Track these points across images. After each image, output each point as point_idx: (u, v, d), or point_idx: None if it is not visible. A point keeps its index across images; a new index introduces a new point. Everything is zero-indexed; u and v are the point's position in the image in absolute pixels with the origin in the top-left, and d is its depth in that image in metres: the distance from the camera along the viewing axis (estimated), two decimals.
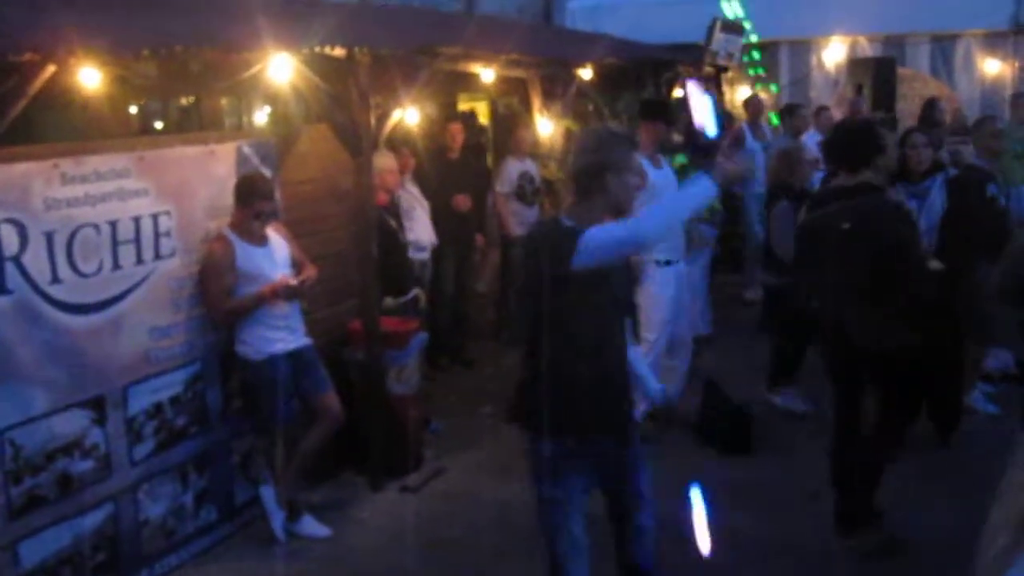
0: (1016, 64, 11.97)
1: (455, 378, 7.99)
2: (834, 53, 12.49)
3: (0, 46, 3.62)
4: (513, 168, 8.32)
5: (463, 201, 7.87)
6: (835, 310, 4.86)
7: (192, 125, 7.87)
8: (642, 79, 9.50)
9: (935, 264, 5.69)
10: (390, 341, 5.98)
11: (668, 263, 6.41)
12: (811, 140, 9.73)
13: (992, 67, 12.01)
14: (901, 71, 11.82)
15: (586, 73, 8.12)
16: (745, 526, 5.28)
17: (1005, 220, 6.49)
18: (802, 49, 12.68)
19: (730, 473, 6.00)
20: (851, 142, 4.99)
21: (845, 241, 4.70)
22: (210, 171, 5.13)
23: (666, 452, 6.13)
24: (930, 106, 9.98)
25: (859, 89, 10.79)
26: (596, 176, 3.48)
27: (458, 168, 8.06)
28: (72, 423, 4.43)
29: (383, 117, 5.94)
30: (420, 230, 7.44)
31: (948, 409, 6.25)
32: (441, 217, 7.68)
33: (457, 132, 8.13)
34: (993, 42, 12.00)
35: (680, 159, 7.99)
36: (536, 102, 8.05)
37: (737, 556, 5.00)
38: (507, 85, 8.56)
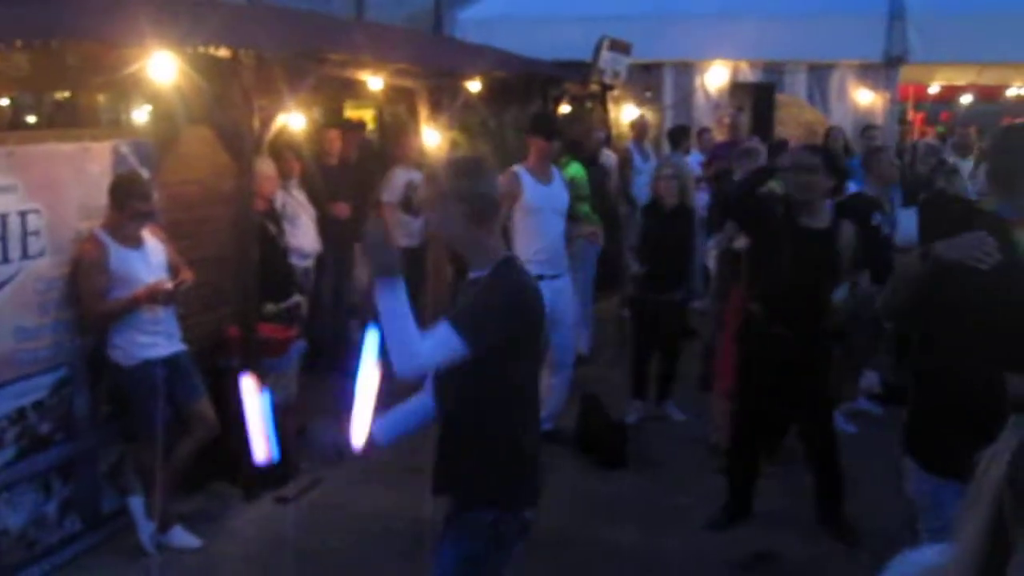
0: (887, 95, 12.47)
1: (333, 387, 7.88)
2: (716, 77, 12.81)
3: None
4: (400, 178, 8.28)
5: (342, 209, 7.80)
6: None
7: (67, 121, 7.61)
8: (530, 94, 9.58)
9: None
10: (268, 349, 5.88)
11: (541, 278, 6.36)
12: (694, 160, 9.98)
13: (865, 97, 12.49)
14: (780, 97, 12.20)
15: (474, 85, 8.14)
16: (621, 539, 5.36)
17: (888, 247, 6.73)
18: (685, 71, 12.96)
19: (606, 486, 6.09)
20: None
21: None
22: (84, 169, 4.97)
23: (545, 466, 6.19)
24: (829, 135, 10.35)
25: (739, 111, 11.10)
26: None
27: (338, 175, 7.98)
28: None
29: (267, 121, 5.85)
30: (303, 237, 7.35)
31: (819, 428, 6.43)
32: (323, 225, 7.60)
33: (335, 139, 8.06)
34: (866, 73, 12.49)
35: (574, 169, 8.12)
36: (423, 112, 8.04)
37: (615, 569, 5.08)
38: (395, 94, 8.52)
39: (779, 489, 5.92)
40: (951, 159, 9.78)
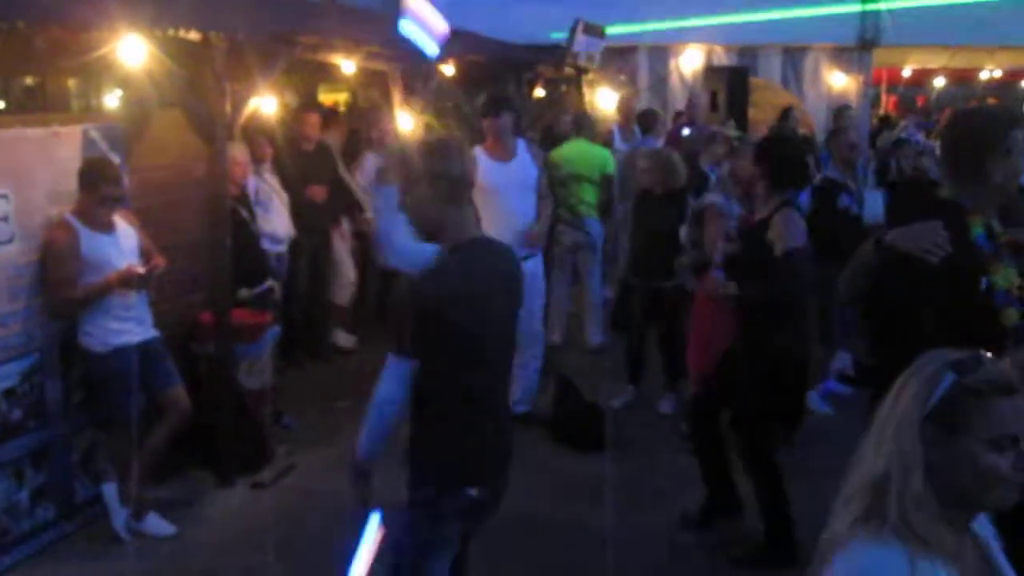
0: (861, 78, 12.54)
1: (310, 372, 7.87)
2: (691, 60, 12.83)
3: None
4: (372, 162, 8.23)
5: (317, 192, 7.75)
6: None
7: (36, 106, 7.53)
8: (503, 77, 9.54)
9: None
10: (241, 334, 5.85)
11: None
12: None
13: (839, 80, 12.55)
14: (754, 80, 12.22)
15: (448, 69, 8.11)
16: (597, 521, 5.37)
17: (858, 227, 6.77)
18: (660, 55, 12.97)
19: (580, 469, 6.10)
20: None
21: None
22: (53, 154, 4.91)
23: (522, 450, 6.18)
24: (784, 115, 10.38)
25: (713, 96, 11.10)
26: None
27: (313, 160, 7.92)
28: None
29: (239, 104, 5.79)
30: (277, 222, 7.30)
31: (793, 409, 6.47)
32: (297, 209, 7.55)
33: (314, 122, 7.98)
34: (840, 56, 12.55)
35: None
36: (397, 96, 8.00)
37: (589, 550, 5.09)
38: (368, 77, 8.48)
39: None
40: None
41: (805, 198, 6.41)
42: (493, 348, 3.25)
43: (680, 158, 7.27)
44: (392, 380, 3.08)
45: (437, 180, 3.10)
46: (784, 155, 5.04)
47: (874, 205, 6.82)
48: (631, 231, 7.32)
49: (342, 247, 8.34)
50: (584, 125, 8.92)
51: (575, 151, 8.53)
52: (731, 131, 8.86)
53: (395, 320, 3.13)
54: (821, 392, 7.06)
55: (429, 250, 3.21)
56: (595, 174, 8.34)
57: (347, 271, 8.40)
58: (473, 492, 3.19)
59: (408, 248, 3.50)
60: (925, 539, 1.76)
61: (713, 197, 6.19)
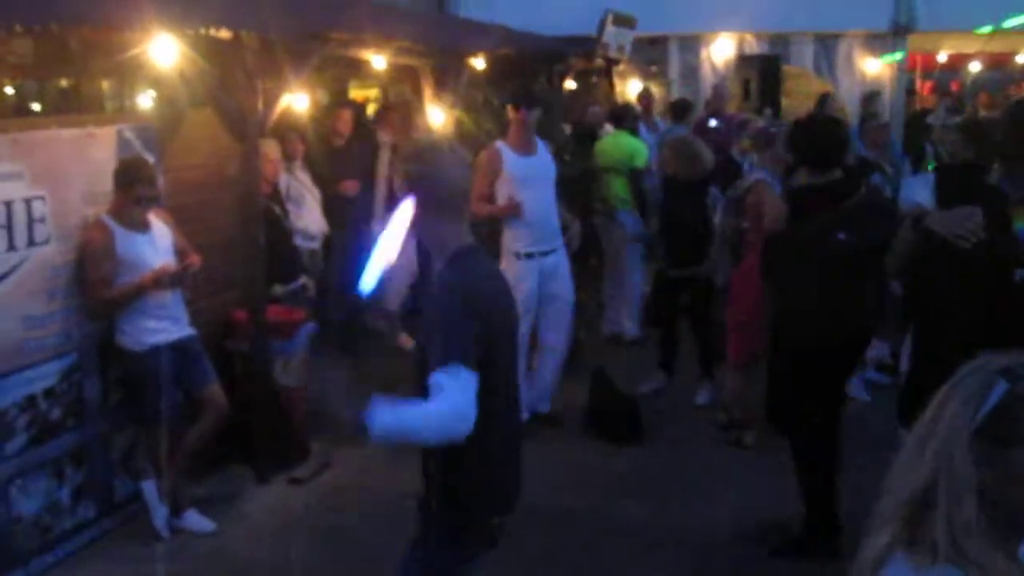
0: (895, 64, 12.39)
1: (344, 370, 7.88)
2: (722, 49, 12.73)
3: None
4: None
5: (351, 186, 7.74)
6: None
7: (72, 107, 7.60)
8: (534, 70, 9.51)
9: None
10: (277, 331, 5.88)
11: (530, 256, 6.28)
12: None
13: (872, 67, 12.40)
14: (786, 68, 12.13)
15: (478, 63, 8.09)
16: (632, 515, 5.35)
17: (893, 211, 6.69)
18: (691, 44, 12.89)
19: (614, 462, 6.07)
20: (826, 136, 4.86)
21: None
22: (89, 155, 4.94)
23: (553, 443, 6.18)
24: (821, 102, 10.28)
25: (745, 84, 11.04)
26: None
27: (345, 155, 7.93)
28: None
29: (270, 102, 5.81)
30: (309, 219, 7.32)
31: None
32: (329, 205, 7.56)
33: (346, 118, 7.98)
34: (873, 43, 12.41)
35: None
36: (427, 91, 7.99)
37: (625, 544, 5.07)
38: (399, 73, 8.47)
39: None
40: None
41: None
42: (509, 361, 3.05)
43: (704, 146, 7.21)
44: (449, 394, 2.67)
45: (422, 187, 2.90)
46: (818, 137, 4.94)
47: (910, 192, 6.71)
48: (659, 220, 7.28)
49: None
50: (624, 116, 8.89)
51: (610, 143, 8.53)
52: (760, 119, 8.82)
53: (429, 332, 2.85)
54: (859, 378, 7.00)
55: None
56: (624, 166, 8.30)
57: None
58: (498, 521, 3.03)
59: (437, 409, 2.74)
60: (981, 567, 1.61)
61: (758, 173, 6.05)
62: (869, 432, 5.71)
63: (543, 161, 6.49)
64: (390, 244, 2.95)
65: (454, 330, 2.73)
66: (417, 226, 2.96)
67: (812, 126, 5.10)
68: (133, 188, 4.83)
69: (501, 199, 6.28)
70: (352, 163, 7.95)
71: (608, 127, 9.86)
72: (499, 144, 6.40)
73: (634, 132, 8.80)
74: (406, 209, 2.89)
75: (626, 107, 9.46)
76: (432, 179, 2.90)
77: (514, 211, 6.20)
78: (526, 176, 6.27)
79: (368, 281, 2.97)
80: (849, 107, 11.97)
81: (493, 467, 2.96)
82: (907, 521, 1.69)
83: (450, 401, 2.66)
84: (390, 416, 2.76)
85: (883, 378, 7.21)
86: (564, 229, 6.54)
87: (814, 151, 4.80)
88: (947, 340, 3.17)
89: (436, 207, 2.90)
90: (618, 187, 8.33)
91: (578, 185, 7.89)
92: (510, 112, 6.47)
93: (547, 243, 6.36)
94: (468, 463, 2.86)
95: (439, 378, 2.68)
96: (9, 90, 8.06)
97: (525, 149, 6.37)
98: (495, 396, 2.84)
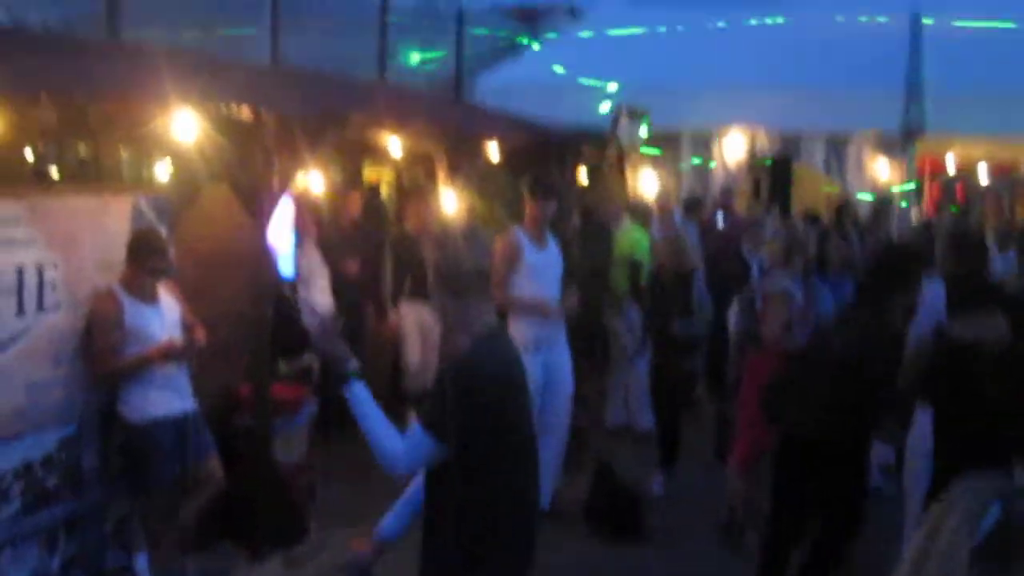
0: (905, 167, 12.50)
1: (343, 447, 7.80)
2: (734, 145, 12.88)
3: None
4: None
5: (351, 266, 7.79)
6: None
7: (90, 175, 7.67)
8: (547, 159, 9.61)
9: None
10: (280, 408, 5.85)
11: (537, 349, 6.18)
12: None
13: (883, 169, 12.51)
14: (797, 167, 12.24)
15: (492, 150, 8.18)
16: None
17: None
18: (703, 140, 13.04)
19: (618, 561, 5.97)
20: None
21: None
22: (103, 224, 4.99)
23: (552, 539, 6.08)
24: (840, 211, 10.36)
25: (756, 183, 11.13)
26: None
27: (354, 237, 7.99)
28: None
29: (285, 180, 5.87)
30: (317, 297, 7.34)
31: None
32: (335, 285, 7.60)
33: (355, 201, 8.10)
34: (884, 145, 12.54)
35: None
36: (441, 175, 8.07)
37: None
38: (413, 157, 8.56)
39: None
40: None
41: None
42: (528, 441, 3.16)
43: (688, 244, 7.43)
44: (415, 449, 3.01)
45: (444, 273, 3.10)
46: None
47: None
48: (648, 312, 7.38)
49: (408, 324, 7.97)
50: (635, 210, 9.01)
51: (622, 236, 8.60)
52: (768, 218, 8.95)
53: (434, 403, 3.03)
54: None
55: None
56: (627, 259, 8.37)
57: (410, 353, 8.00)
58: None
59: (401, 450, 3.09)
60: None
61: (784, 282, 6.06)
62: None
63: (553, 253, 6.53)
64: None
65: (452, 407, 2.93)
66: (444, 309, 3.15)
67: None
68: (146, 260, 4.86)
69: (514, 288, 6.26)
70: (359, 245, 8.01)
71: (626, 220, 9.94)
72: (517, 231, 6.42)
73: (643, 225, 8.87)
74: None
75: (637, 203, 9.57)
76: (456, 266, 3.07)
77: (543, 310, 6.24)
78: (539, 267, 6.29)
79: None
80: (859, 208, 12.05)
81: (512, 547, 3.08)
82: None
83: (406, 444, 3.04)
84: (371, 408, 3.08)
85: (888, 484, 7.11)
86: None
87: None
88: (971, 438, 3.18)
89: (456, 293, 3.06)
90: (623, 279, 8.37)
91: (588, 279, 7.89)
92: (527, 201, 6.49)
93: (551, 334, 6.36)
94: (481, 544, 3.01)
95: (415, 429, 3.03)
96: (28, 155, 8.14)
97: (539, 240, 6.39)
98: (516, 468, 3.05)
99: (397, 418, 7.61)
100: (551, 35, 15.12)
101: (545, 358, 6.28)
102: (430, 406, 3.02)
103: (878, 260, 5.30)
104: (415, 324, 7.78)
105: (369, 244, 8.19)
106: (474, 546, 3.00)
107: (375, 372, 8.29)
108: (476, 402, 2.95)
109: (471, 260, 3.11)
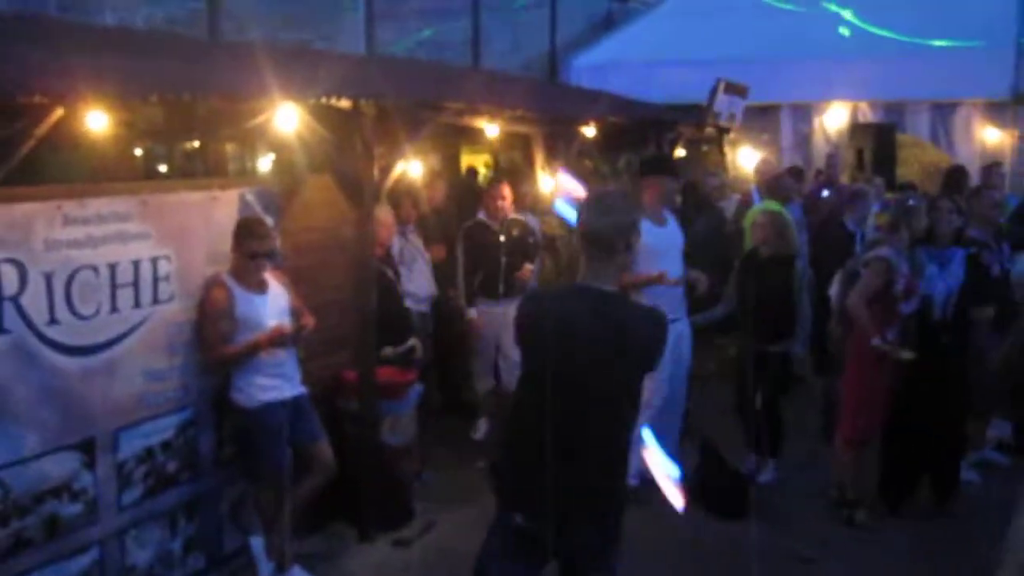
0: (1016, 134, 12.06)
1: (448, 429, 7.93)
2: (835, 117, 12.60)
3: (10, 88, 3.64)
4: None
5: (437, 251, 7.85)
6: None
7: (196, 170, 7.90)
8: (644, 138, 9.56)
9: (906, 354, 5.69)
10: (386, 392, 5.96)
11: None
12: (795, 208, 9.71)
13: (992, 136, 12.10)
14: (901, 137, 11.91)
15: (589, 130, 8.18)
16: None
17: (1004, 290, 6.52)
18: (804, 112, 12.79)
19: (725, 537, 5.95)
20: None
21: None
22: (212, 217, 5.14)
23: (660, 515, 6.09)
24: (951, 178, 10.06)
25: (859, 153, 10.87)
26: (618, 238, 3.36)
27: (438, 221, 8.06)
28: (62, 465, 4.40)
29: (386, 169, 5.97)
30: (419, 281, 7.44)
31: (947, 476, 6.23)
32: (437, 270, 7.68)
33: (437, 188, 8.16)
34: (993, 111, 12.11)
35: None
36: (538, 158, 8.10)
37: None
38: (510, 139, 8.61)
39: (905, 536, 5.75)
40: None
41: (959, 262, 6.15)
42: (569, 381, 3.27)
43: (792, 224, 7.11)
44: None
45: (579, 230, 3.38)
46: None
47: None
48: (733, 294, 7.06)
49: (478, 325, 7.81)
50: (773, 187, 8.93)
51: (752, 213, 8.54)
52: (871, 189, 8.72)
53: None
54: (972, 460, 6.76)
55: None
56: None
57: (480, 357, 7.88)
58: (518, 519, 3.31)
59: None
60: None
61: (883, 250, 5.94)
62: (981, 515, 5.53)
63: (673, 231, 6.48)
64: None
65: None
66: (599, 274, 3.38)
67: None
68: (246, 243, 4.99)
69: (634, 269, 6.19)
70: (445, 228, 8.06)
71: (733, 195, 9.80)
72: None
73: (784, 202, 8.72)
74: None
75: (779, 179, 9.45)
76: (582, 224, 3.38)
77: (662, 280, 6.15)
78: (661, 247, 6.22)
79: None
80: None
81: (515, 467, 3.40)
82: None
83: None
84: None
85: (1004, 459, 6.96)
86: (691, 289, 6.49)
87: None
88: None
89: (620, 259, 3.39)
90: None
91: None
92: (646, 181, 6.42)
93: (673, 313, 6.29)
94: (506, 448, 3.46)
95: None
96: (138, 152, 8.43)
97: (658, 220, 6.35)
98: (541, 396, 3.23)
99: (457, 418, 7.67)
100: (644, 9, 14.98)
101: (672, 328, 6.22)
102: None
103: None
104: (486, 326, 7.56)
105: (454, 228, 8.20)
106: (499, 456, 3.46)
107: (449, 368, 8.34)
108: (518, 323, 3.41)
109: (591, 221, 3.35)
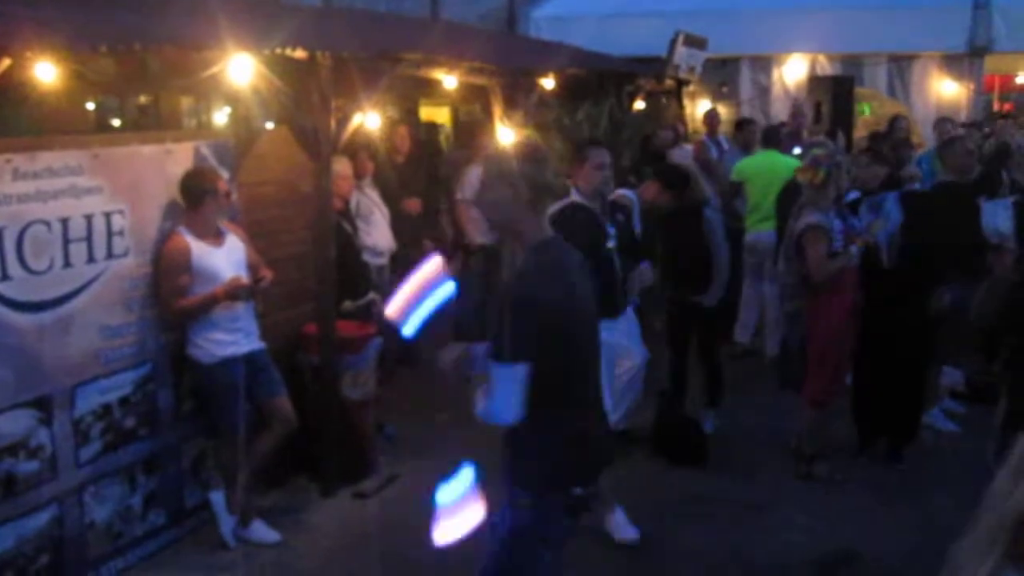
0: (971, 86, 12.17)
1: (409, 383, 7.93)
2: (794, 70, 12.63)
3: None
4: (475, 176, 8.28)
5: (413, 205, 7.83)
6: None
7: (150, 123, 7.79)
8: (604, 91, 9.54)
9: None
10: (346, 346, 5.95)
11: None
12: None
13: (948, 88, 12.21)
14: (859, 90, 11.97)
15: (548, 83, 8.14)
16: (699, 540, 5.31)
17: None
18: (763, 65, 12.80)
19: (682, 486, 6.03)
20: None
21: None
22: (166, 170, 5.07)
23: (619, 463, 6.15)
24: (891, 125, 10.17)
25: (817, 106, 10.91)
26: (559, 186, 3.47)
27: (406, 172, 8.03)
28: (18, 423, 4.35)
29: (343, 121, 5.90)
30: (378, 235, 7.41)
31: (907, 423, 6.31)
32: (395, 222, 7.65)
33: (404, 135, 8.12)
34: (950, 64, 12.21)
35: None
36: (497, 110, 8.05)
37: (684, 569, 5.04)
38: (469, 92, 8.55)
39: (865, 486, 5.86)
40: None
41: (893, 204, 6.19)
42: (586, 346, 3.28)
43: (699, 172, 7.15)
44: (503, 384, 3.02)
45: (524, 183, 3.13)
46: None
47: (992, 217, 6.55)
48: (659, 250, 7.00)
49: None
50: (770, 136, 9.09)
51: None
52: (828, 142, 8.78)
53: (494, 329, 3.11)
54: (942, 407, 6.89)
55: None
56: None
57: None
58: (579, 491, 3.26)
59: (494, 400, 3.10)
60: None
61: (809, 217, 5.88)
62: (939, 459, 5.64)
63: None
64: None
65: (511, 329, 3.00)
66: (500, 216, 3.23)
67: None
68: (198, 193, 4.94)
69: None
70: (414, 180, 8.04)
71: (686, 147, 9.82)
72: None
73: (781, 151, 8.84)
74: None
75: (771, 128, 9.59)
76: (535, 177, 3.15)
77: None
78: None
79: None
80: (923, 129, 11.79)
81: (574, 438, 3.21)
82: (1014, 540, 1.75)
83: (493, 391, 3.05)
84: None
85: (958, 406, 7.07)
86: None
87: None
88: None
89: (529, 202, 3.15)
90: None
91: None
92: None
93: None
94: (547, 435, 3.15)
95: (491, 372, 3.06)
96: (90, 106, 8.30)
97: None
98: (574, 369, 3.16)
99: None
100: None
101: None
102: (496, 340, 3.06)
103: None
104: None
105: (422, 179, 8.20)
106: (534, 447, 3.17)
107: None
108: (530, 314, 3.01)
109: (546, 174, 3.19)
